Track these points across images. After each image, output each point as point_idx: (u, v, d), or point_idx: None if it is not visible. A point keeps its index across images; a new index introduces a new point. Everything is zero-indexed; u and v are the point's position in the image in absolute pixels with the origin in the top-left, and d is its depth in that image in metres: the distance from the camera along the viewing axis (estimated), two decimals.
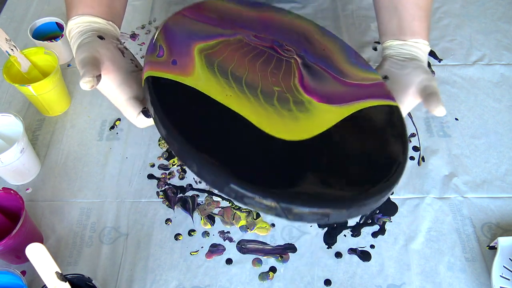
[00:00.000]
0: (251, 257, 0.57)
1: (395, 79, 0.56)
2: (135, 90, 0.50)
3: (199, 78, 0.48)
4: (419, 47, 0.57)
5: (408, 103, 0.54)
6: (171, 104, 0.44)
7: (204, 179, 0.42)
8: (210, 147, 0.42)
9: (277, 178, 0.42)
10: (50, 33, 0.77)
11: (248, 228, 0.59)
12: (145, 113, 0.49)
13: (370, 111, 0.52)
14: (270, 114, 0.47)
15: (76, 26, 0.52)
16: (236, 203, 0.43)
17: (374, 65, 0.74)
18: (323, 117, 0.49)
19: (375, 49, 0.79)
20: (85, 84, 0.44)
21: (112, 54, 0.49)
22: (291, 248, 0.57)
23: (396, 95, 0.54)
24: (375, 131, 0.51)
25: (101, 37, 0.51)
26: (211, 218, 0.60)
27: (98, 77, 0.45)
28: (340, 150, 0.48)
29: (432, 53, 0.77)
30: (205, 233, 0.59)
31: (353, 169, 0.47)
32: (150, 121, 0.50)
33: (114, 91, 0.49)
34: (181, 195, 0.62)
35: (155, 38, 0.50)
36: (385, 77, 0.57)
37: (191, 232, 0.59)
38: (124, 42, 0.54)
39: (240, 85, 0.49)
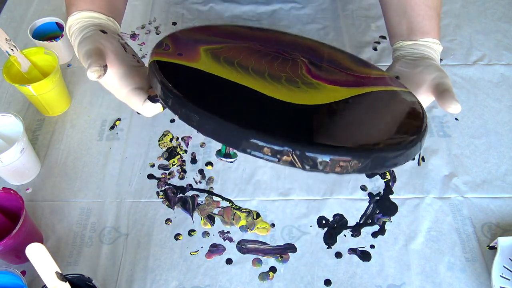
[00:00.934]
0: (251, 257, 0.57)
1: (406, 78, 0.55)
2: (138, 82, 0.49)
3: (205, 63, 0.48)
4: (430, 46, 0.56)
5: (421, 102, 0.52)
6: (179, 81, 0.44)
7: (217, 137, 0.41)
8: (224, 109, 0.42)
9: (296, 131, 0.42)
10: (50, 33, 0.77)
11: (248, 228, 0.59)
12: (152, 99, 0.49)
13: (384, 93, 0.51)
14: (279, 89, 0.47)
15: (77, 21, 0.52)
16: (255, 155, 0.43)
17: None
18: (335, 93, 0.49)
19: (375, 49, 0.79)
20: (93, 73, 0.44)
21: (115, 47, 0.49)
22: (291, 248, 0.57)
23: None
24: (393, 103, 0.50)
25: (103, 31, 0.50)
26: (211, 218, 0.60)
27: (105, 67, 0.45)
28: (358, 113, 0.47)
29: None
30: (205, 233, 0.59)
31: (372, 128, 0.46)
32: (158, 108, 0.49)
33: (117, 84, 0.49)
34: (181, 195, 0.62)
35: (163, 39, 0.51)
36: (396, 78, 0.56)
37: (191, 232, 0.59)
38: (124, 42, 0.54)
39: (247, 71, 0.49)
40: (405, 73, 0.55)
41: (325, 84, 0.50)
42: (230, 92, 0.46)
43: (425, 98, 0.53)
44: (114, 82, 0.49)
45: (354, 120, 0.47)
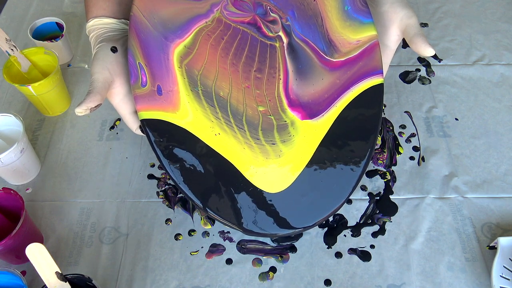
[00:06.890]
0: (251, 257, 0.57)
1: (374, 20, 0.56)
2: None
3: (187, 113, 0.52)
4: None
5: (392, 44, 0.55)
6: (170, 160, 0.51)
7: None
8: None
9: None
10: (50, 33, 0.77)
11: None
12: (142, 130, 0.53)
13: (347, 116, 0.54)
14: (256, 155, 0.52)
15: (92, 29, 0.55)
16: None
17: None
18: (302, 147, 0.53)
19: None
20: (78, 113, 0.48)
21: (120, 69, 0.53)
22: (291, 248, 0.57)
23: (378, 38, 0.55)
24: (340, 161, 0.53)
25: (114, 49, 0.53)
26: (211, 218, 0.60)
27: (94, 107, 0.49)
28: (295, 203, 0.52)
29: None
30: (205, 233, 0.59)
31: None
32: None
33: (118, 103, 0.53)
34: (181, 195, 0.62)
35: (131, 49, 0.51)
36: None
37: (191, 232, 0.59)
38: None
39: (226, 114, 0.52)
40: (373, 14, 0.56)
41: (299, 120, 0.53)
42: (212, 177, 0.52)
43: (395, 40, 0.55)
44: (115, 101, 0.53)
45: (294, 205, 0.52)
